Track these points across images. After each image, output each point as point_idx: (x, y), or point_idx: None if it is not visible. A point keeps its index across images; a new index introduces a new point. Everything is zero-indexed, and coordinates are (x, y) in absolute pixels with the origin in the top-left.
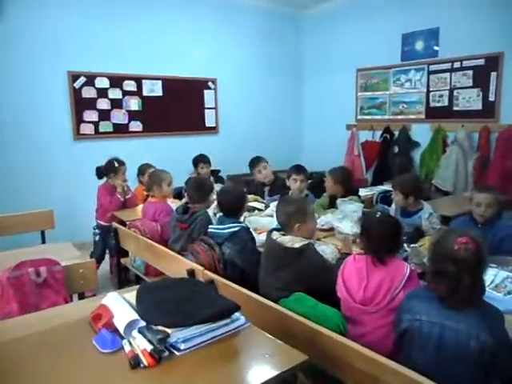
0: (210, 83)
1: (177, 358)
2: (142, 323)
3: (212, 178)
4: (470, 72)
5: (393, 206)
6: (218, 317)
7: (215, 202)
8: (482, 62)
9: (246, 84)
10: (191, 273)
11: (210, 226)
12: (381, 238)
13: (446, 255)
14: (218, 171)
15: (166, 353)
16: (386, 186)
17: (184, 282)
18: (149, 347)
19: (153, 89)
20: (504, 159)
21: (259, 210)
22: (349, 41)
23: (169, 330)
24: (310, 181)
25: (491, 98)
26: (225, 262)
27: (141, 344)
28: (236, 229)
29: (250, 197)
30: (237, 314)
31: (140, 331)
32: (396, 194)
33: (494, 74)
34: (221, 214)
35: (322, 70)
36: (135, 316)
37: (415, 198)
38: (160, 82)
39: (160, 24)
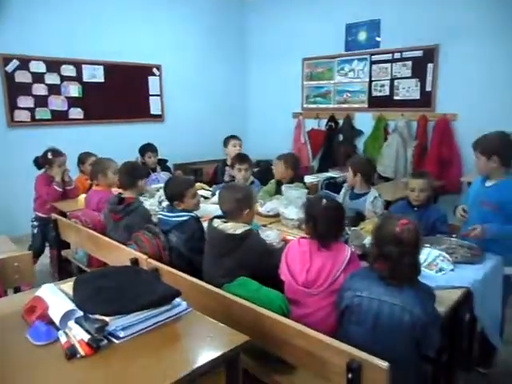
0: (154, 69)
1: (116, 346)
2: (80, 313)
3: (159, 168)
4: (410, 63)
5: (343, 190)
6: (157, 303)
7: (160, 191)
8: (420, 53)
9: (192, 71)
10: (135, 262)
11: (160, 212)
12: (327, 225)
13: (390, 238)
14: (166, 160)
15: (105, 341)
16: (332, 173)
17: (124, 271)
18: (86, 337)
19: (94, 74)
20: (439, 147)
21: (205, 198)
22: (294, 30)
23: (107, 319)
24: (256, 169)
25: (428, 88)
26: (171, 250)
27: (78, 334)
28: (185, 218)
29: (196, 185)
30: (178, 300)
31: (77, 321)
32: (348, 170)
33: (430, 66)
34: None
35: (268, 58)
36: (72, 306)
37: (363, 178)
38: (102, 68)
39: (101, 6)
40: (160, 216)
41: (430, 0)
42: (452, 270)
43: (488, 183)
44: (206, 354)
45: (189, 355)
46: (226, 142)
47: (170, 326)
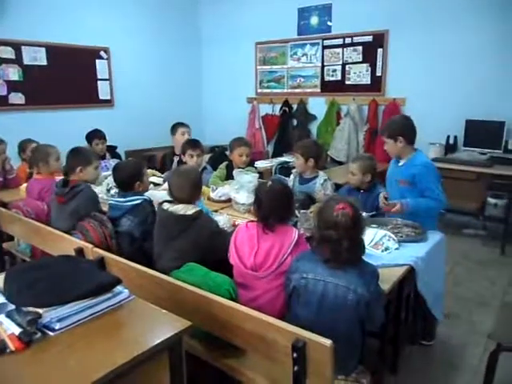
0: (102, 52)
1: (51, 339)
2: (11, 306)
3: (108, 155)
4: (360, 48)
5: (291, 176)
6: (96, 292)
7: (108, 178)
8: (370, 38)
9: (143, 54)
10: (79, 252)
11: (111, 199)
12: (270, 207)
13: (328, 222)
14: (115, 147)
15: (38, 335)
16: (285, 158)
17: (60, 261)
18: (17, 330)
19: (35, 57)
20: None
21: (157, 184)
22: (247, 13)
23: (41, 311)
24: (210, 154)
25: (378, 73)
26: (120, 236)
27: (9, 328)
28: (138, 201)
29: (148, 171)
30: (119, 288)
31: (8, 315)
32: (297, 157)
33: (380, 51)
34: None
35: (221, 42)
36: (2, 300)
37: (315, 161)
38: (44, 50)
39: None
40: (111, 202)
41: None
42: (397, 248)
43: (400, 162)
44: (145, 342)
45: (128, 343)
46: (173, 130)
47: (110, 316)
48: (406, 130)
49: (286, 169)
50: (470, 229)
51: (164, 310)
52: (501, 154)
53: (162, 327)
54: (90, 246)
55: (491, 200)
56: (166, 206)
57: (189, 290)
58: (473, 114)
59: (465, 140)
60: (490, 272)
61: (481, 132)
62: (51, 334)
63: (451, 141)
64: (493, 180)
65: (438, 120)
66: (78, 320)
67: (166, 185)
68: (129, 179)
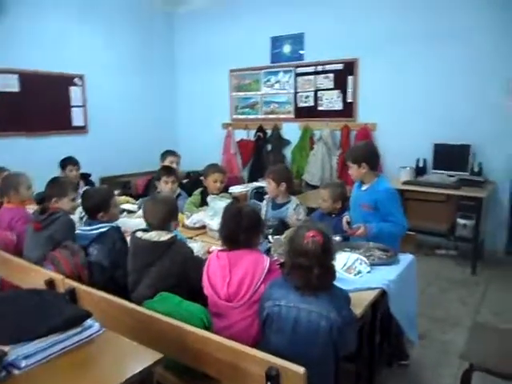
0: (76, 79)
1: (17, 378)
2: None
3: (82, 182)
4: (332, 75)
5: (264, 201)
6: (64, 327)
7: (81, 207)
8: (341, 66)
9: (118, 81)
10: (50, 283)
11: (78, 228)
12: (231, 231)
13: (298, 249)
14: (89, 175)
15: (3, 373)
16: (260, 183)
17: (28, 294)
18: None
19: (8, 84)
20: None
21: (131, 212)
22: (221, 42)
23: (6, 348)
24: (186, 180)
25: (350, 99)
26: (91, 266)
27: None
28: (105, 229)
29: (122, 198)
30: (89, 322)
31: None
32: (269, 182)
33: (351, 78)
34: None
35: (196, 69)
36: None
37: (287, 186)
38: (17, 77)
39: (17, 10)
40: (78, 231)
41: (350, 16)
42: (369, 272)
43: (364, 187)
44: (115, 377)
45: (97, 379)
46: (162, 157)
47: (80, 350)
48: (369, 157)
49: (261, 194)
50: (441, 249)
51: (135, 343)
52: (468, 176)
53: (133, 361)
54: (61, 277)
55: (460, 221)
56: (139, 234)
57: (161, 320)
58: (441, 138)
59: (434, 163)
60: (461, 292)
61: (448, 155)
62: (17, 372)
63: (421, 164)
64: (461, 201)
65: (408, 144)
66: (46, 356)
67: (140, 212)
68: (94, 208)
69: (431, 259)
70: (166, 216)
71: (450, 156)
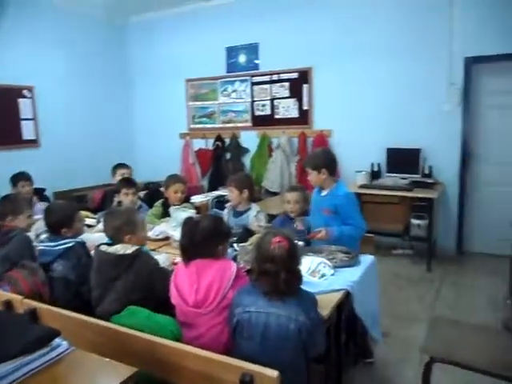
0: (25, 91)
1: None
2: None
3: (36, 198)
4: (287, 84)
5: (226, 210)
6: (30, 348)
7: (37, 223)
8: (296, 75)
9: (70, 92)
10: (7, 305)
11: (41, 244)
12: (187, 242)
13: (265, 255)
14: (43, 190)
15: None
16: (221, 191)
17: None
18: None
19: None
20: None
21: (90, 226)
22: (177, 51)
23: None
24: (145, 191)
25: (305, 107)
26: (54, 282)
27: None
28: (70, 244)
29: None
30: (57, 341)
31: None
32: (231, 190)
33: (306, 86)
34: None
35: (151, 79)
36: None
37: (249, 193)
38: None
39: None
40: (41, 248)
41: (303, 27)
42: (333, 274)
43: (323, 193)
44: None
45: None
46: (113, 171)
47: (48, 371)
48: (328, 163)
49: (222, 203)
50: (398, 249)
51: (107, 359)
52: (419, 179)
53: (107, 377)
54: (20, 297)
55: (414, 221)
56: (103, 247)
57: (131, 334)
58: (393, 143)
59: (387, 167)
60: (418, 289)
61: (401, 159)
62: None
63: (375, 168)
64: (414, 202)
65: (363, 149)
66: (12, 381)
67: (99, 226)
68: (57, 223)
69: (389, 259)
70: (116, 230)
71: (402, 159)
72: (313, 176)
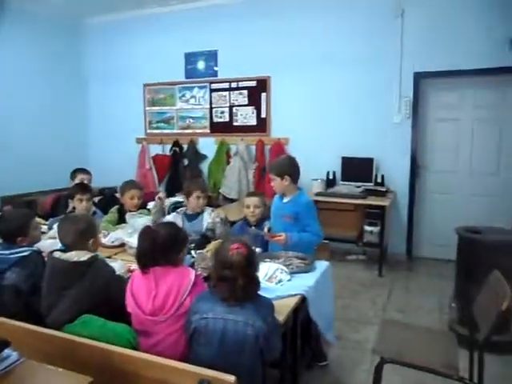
0: None
1: None
2: None
3: None
4: (246, 92)
5: (173, 214)
6: None
7: None
8: (254, 83)
9: (20, 94)
10: None
11: None
12: (143, 251)
13: (224, 262)
14: None
15: None
16: (178, 198)
17: None
18: None
19: None
20: None
21: (42, 232)
22: (135, 55)
23: None
24: (99, 197)
25: (263, 115)
26: (4, 291)
27: None
28: (26, 253)
29: None
30: (7, 351)
31: None
32: (197, 196)
33: (264, 95)
34: None
35: (109, 82)
36: None
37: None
38: None
39: None
40: None
41: (261, 36)
42: (289, 280)
43: (285, 199)
44: None
45: None
46: (72, 176)
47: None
48: (292, 170)
49: (179, 209)
50: (352, 255)
51: (60, 369)
52: (372, 187)
53: None
54: None
55: (367, 228)
56: (57, 254)
57: (85, 343)
58: (348, 152)
59: (342, 175)
60: (371, 293)
61: (355, 167)
62: None
63: (331, 176)
64: (367, 210)
65: (319, 157)
66: None
67: (51, 232)
68: (12, 232)
69: (343, 264)
70: (81, 235)
71: (356, 168)
72: (276, 182)
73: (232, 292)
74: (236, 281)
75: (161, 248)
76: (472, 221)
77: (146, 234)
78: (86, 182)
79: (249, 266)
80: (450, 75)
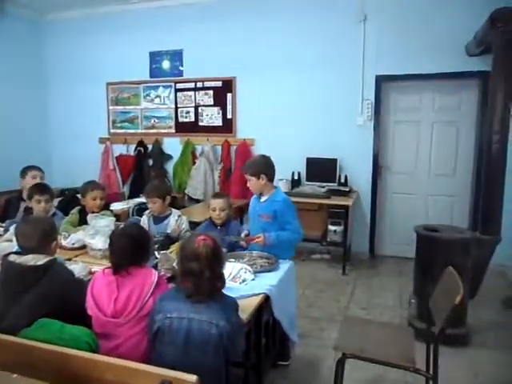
0: None
1: None
2: None
3: None
4: (211, 92)
5: (144, 217)
6: None
7: None
8: (220, 84)
9: None
10: None
11: None
12: (122, 250)
13: (190, 255)
14: None
15: None
16: (142, 199)
17: None
18: None
19: None
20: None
21: None
22: (97, 53)
23: None
24: (60, 198)
25: (229, 115)
26: None
27: None
28: None
29: None
30: None
31: None
32: (154, 201)
33: (229, 95)
34: None
35: (70, 80)
36: None
37: (163, 200)
38: None
39: None
40: None
41: (226, 36)
42: (253, 279)
43: (262, 199)
44: None
45: None
46: (22, 173)
47: None
48: (267, 169)
49: (143, 210)
50: (316, 254)
51: (14, 375)
52: (336, 187)
53: None
54: None
55: (331, 227)
56: (12, 257)
57: (41, 348)
58: (312, 153)
59: (307, 175)
60: (334, 291)
61: (319, 168)
62: None
63: (296, 176)
64: (331, 209)
65: (284, 158)
66: None
67: (7, 235)
68: None
69: (308, 264)
70: (42, 237)
71: (321, 169)
72: (252, 182)
73: (197, 287)
74: (202, 274)
75: (135, 248)
76: (431, 220)
77: (121, 234)
78: (38, 179)
79: (215, 258)
80: (411, 78)
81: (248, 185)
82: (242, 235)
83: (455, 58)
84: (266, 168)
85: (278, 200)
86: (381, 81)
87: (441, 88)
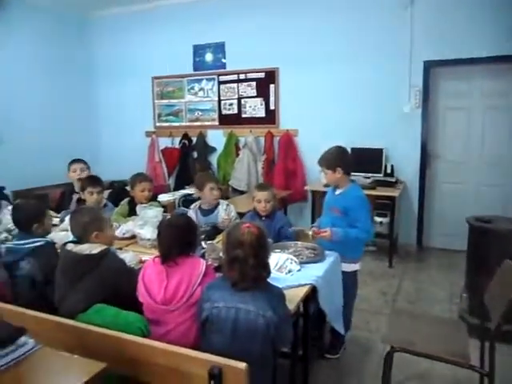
0: None
1: None
2: None
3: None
4: (254, 83)
5: (191, 210)
6: None
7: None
8: (262, 75)
9: (30, 89)
10: None
11: (7, 243)
12: (169, 241)
13: (235, 242)
14: (3, 188)
15: None
16: (188, 190)
17: None
18: None
19: None
20: (285, 160)
21: (53, 225)
22: (143, 48)
23: None
24: (110, 190)
25: (272, 106)
26: (19, 281)
27: None
28: (40, 243)
29: None
30: (23, 339)
31: None
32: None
33: (272, 86)
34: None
35: (117, 76)
36: None
37: (218, 188)
38: None
39: None
40: (8, 245)
41: (269, 27)
42: (299, 270)
43: (337, 191)
44: None
45: None
46: (69, 167)
47: (15, 369)
48: (343, 161)
49: (189, 201)
50: None
51: (75, 356)
52: (381, 177)
53: (74, 374)
54: None
55: (377, 218)
56: (69, 246)
57: (98, 332)
58: (357, 143)
59: None
60: (381, 284)
61: (364, 158)
62: None
63: None
64: (377, 201)
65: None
66: None
67: (63, 225)
68: (29, 219)
69: None
70: (83, 228)
71: (365, 159)
72: (328, 175)
73: (242, 274)
74: (246, 261)
75: (182, 238)
76: (483, 210)
77: (168, 224)
78: (78, 171)
79: (259, 246)
80: (460, 63)
81: (325, 177)
82: (310, 232)
83: (507, 41)
84: (342, 161)
85: (352, 196)
86: (429, 67)
87: (492, 72)
